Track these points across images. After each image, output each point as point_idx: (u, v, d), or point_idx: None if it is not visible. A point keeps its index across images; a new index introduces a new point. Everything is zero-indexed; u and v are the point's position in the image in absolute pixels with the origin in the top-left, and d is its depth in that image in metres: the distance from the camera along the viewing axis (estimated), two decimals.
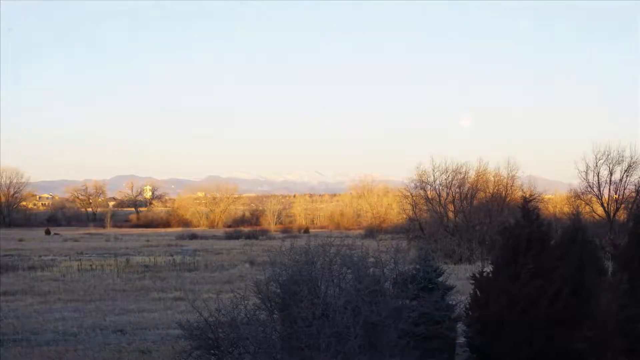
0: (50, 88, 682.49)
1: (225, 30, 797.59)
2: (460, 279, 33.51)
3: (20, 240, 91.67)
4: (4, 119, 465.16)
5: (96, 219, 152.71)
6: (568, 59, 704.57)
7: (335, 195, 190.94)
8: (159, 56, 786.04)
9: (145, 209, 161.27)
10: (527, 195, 20.81)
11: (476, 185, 72.51)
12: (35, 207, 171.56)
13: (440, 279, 21.01)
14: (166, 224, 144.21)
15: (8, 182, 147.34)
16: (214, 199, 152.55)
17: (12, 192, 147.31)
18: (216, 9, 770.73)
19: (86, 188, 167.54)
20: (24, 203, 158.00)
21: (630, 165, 63.48)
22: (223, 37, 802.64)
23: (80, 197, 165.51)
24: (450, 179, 72.79)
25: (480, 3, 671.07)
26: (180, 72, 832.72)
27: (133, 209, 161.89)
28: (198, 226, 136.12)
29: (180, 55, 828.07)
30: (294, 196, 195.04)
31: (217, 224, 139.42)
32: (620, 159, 63.57)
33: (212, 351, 16.43)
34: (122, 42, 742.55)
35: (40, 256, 66.97)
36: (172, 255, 66.96)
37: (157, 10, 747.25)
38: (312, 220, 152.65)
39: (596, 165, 64.00)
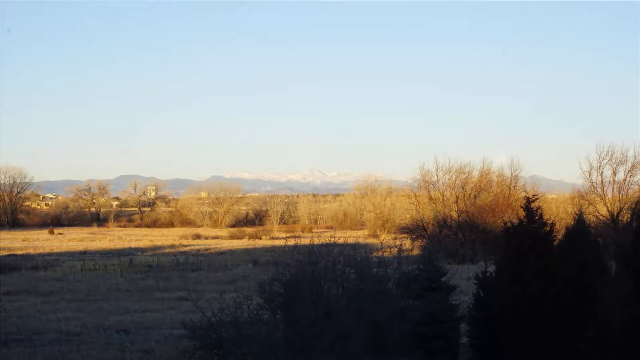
0: (53, 88, 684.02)
1: (226, 30, 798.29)
2: (463, 279, 33.40)
3: (24, 240, 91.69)
4: (7, 119, 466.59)
5: (99, 219, 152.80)
6: (570, 59, 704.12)
7: (338, 195, 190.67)
8: (161, 56, 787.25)
9: (149, 209, 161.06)
10: (530, 195, 20.72)
11: (480, 186, 72.45)
12: (38, 207, 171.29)
13: (443, 279, 20.99)
14: (169, 224, 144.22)
15: (11, 182, 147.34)
16: (217, 199, 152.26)
17: (15, 192, 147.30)
18: (216, 8, 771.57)
19: (89, 188, 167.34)
20: (27, 203, 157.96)
21: (633, 166, 63.48)
22: (224, 37, 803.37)
23: (84, 197, 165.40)
24: (453, 179, 72.76)
25: (481, 3, 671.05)
26: (182, 72, 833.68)
27: (136, 208, 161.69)
28: (201, 226, 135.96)
29: (182, 54, 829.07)
30: (297, 196, 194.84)
31: (221, 224, 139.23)
32: (623, 159, 63.59)
33: (215, 351, 16.43)
34: (124, 41, 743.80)
35: (43, 256, 67.03)
36: (175, 255, 66.97)
37: (158, 11, 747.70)
38: (316, 220, 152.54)
39: (600, 165, 64.00)
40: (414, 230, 70.80)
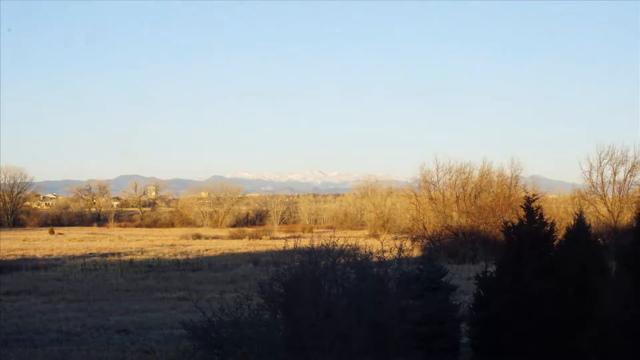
0: (53, 88, 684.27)
1: (226, 31, 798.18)
2: (464, 279, 33.47)
3: (24, 240, 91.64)
4: (7, 119, 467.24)
5: (100, 219, 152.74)
6: (571, 58, 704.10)
7: (338, 195, 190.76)
8: (161, 55, 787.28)
9: (149, 209, 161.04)
10: (531, 195, 20.72)
11: (480, 185, 72.39)
12: (39, 207, 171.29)
13: (443, 279, 20.98)
14: (170, 224, 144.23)
15: (12, 182, 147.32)
16: (218, 199, 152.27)
17: (16, 192, 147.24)
18: (216, 9, 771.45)
19: (90, 188, 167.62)
20: (27, 203, 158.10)
21: (634, 166, 63.43)
22: (224, 38, 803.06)
23: (84, 197, 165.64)
24: (454, 179, 72.71)
25: (481, 3, 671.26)
26: (183, 72, 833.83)
27: (137, 209, 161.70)
28: (202, 226, 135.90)
29: (182, 54, 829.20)
30: (298, 196, 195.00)
31: (221, 224, 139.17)
32: (623, 159, 63.56)
33: (215, 351, 16.43)
34: (124, 42, 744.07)
35: (44, 256, 67.01)
36: (175, 255, 66.95)
37: (158, 11, 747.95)
38: (316, 221, 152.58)
39: (600, 166, 63.98)
40: (414, 230, 70.75)
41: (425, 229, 69.84)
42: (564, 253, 19.82)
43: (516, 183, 73.44)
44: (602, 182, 64.07)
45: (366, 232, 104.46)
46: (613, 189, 63.73)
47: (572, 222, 20.98)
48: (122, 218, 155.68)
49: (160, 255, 67.62)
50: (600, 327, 17.17)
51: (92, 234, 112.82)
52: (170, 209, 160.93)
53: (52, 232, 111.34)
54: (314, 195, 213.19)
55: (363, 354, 15.45)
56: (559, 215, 58.90)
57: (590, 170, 64.22)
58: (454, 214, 70.11)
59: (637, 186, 63.40)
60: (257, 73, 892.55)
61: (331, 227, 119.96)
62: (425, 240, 66.87)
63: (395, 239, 40.98)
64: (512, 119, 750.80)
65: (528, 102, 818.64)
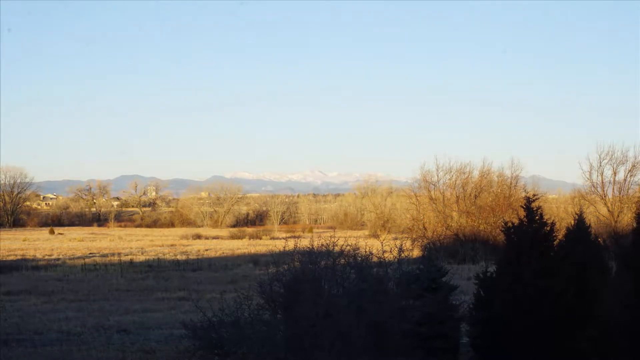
0: (53, 88, 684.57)
1: (226, 32, 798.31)
2: (464, 279, 33.45)
3: (24, 240, 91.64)
4: (7, 119, 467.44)
5: (100, 219, 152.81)
6: (571, 58, 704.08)
7: (338, 195, 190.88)
8: (161, 55, 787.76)
9: (149, 209, 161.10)
10: (531, 195, 20.71)
11: (480, 185, 72.37)
12: (39, 207, 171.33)
13: (443, 279, 20.96)
14: (170, 224, 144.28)
15: (12, 182, 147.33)
16: (218, 199, 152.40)
17: (16, 192, 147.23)
18: (215, 8, 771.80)
19: (90, 188, 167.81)
20: (28, 203, 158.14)
21: (634, 166, 63.43)
22: (224, 36, 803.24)
23: (84, 197, 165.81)
24: (454, 179, 72.69)
25: (481, 3, 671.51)
26: (182, 72, 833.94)
27: (137, 209, 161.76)
28: (202, 226, 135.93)
29: (182, 54, 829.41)
30: (298, 196, 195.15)
31: (221, 224, 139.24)
32: (624, 159, 63.57)
33: (215, 351, 16.44)
34: (124, 41, 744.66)
35: (44, 256, 67.01)
36: (175, 255, 66.95)
37: (158, 9, 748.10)
38: (316, 221, 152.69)
39: (600, 166, 63.98)
40: (414, 230, 70.74)
41: (425, 229, 69.82)
42: (564, 253, 19.81)
43: (516, 183, 73.39)
44: (602, 182, 64.07)
45: (366, 232, 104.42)
46: (613, 189, 63.77)
47: (572, 222, 20.97)
48: (122, 218, 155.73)
49: (160, 255, 67.56)
50: (600, 327, 17.18)
51: (92, 234, 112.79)
52: (170, 209, 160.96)
53: (52, 232, 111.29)
54: (314, 195, 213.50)
55: (363, 354, 15.46)
56: (559, 215, 58.89)
57: (590, 170, 64.25)
58: (454, 214, 70.10)
59: (637, 186, 63.42)
60: (257, 73, 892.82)
61: (331, 227, 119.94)
62: (425, 240, 66.87)
63: (395, 239, 40.95)
64: (512, 119, 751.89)
65: (528, 102, 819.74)
